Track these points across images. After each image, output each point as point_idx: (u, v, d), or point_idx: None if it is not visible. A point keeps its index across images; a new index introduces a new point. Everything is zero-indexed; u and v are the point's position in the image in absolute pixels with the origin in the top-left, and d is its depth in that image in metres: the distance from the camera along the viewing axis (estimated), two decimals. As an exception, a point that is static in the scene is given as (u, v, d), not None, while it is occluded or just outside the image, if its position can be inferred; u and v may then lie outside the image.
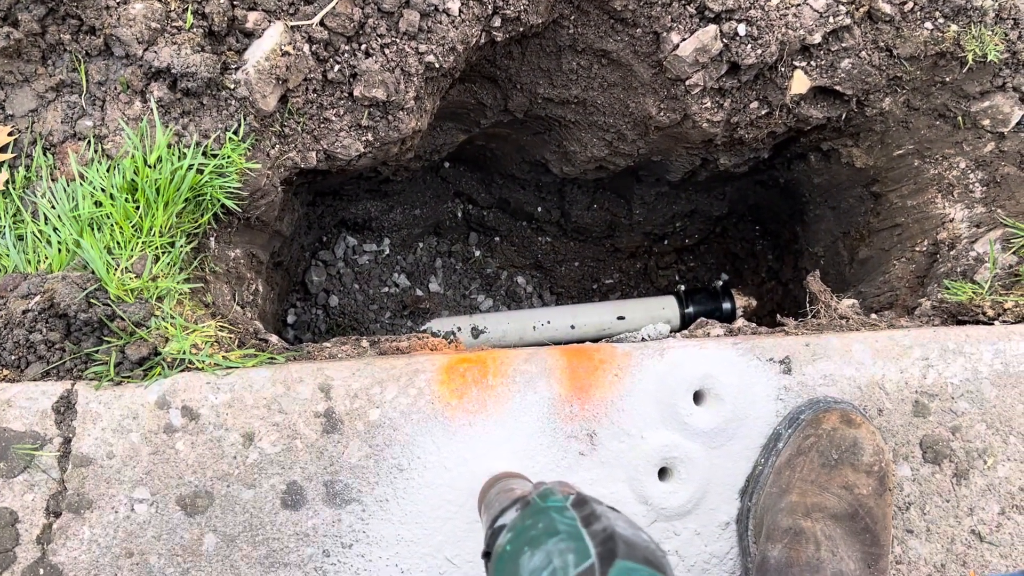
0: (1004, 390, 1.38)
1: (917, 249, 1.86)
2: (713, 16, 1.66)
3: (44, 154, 1.45)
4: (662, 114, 1.91)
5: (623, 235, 2.89)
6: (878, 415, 1.37)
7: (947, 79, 1.72)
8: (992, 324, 1.46)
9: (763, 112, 1.85)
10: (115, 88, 1.45)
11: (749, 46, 1.67)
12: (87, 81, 1.45)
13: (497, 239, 2.98)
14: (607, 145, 2.17)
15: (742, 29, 1.66)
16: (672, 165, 2.26)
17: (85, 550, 1.22)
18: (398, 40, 1.55)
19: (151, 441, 1.26)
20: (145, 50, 1.41)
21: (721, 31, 1.67)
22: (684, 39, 1.69)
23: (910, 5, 1.64)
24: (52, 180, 1.43)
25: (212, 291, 1.51)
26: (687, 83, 1.77)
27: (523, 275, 3.02)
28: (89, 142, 1.44)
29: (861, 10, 1.64)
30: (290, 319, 2.69)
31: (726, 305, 2.53)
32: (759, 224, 2.85)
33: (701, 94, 1.80)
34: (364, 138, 1.62)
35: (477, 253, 2.98)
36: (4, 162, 1.44)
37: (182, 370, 1.30)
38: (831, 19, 1.64)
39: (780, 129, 1.91)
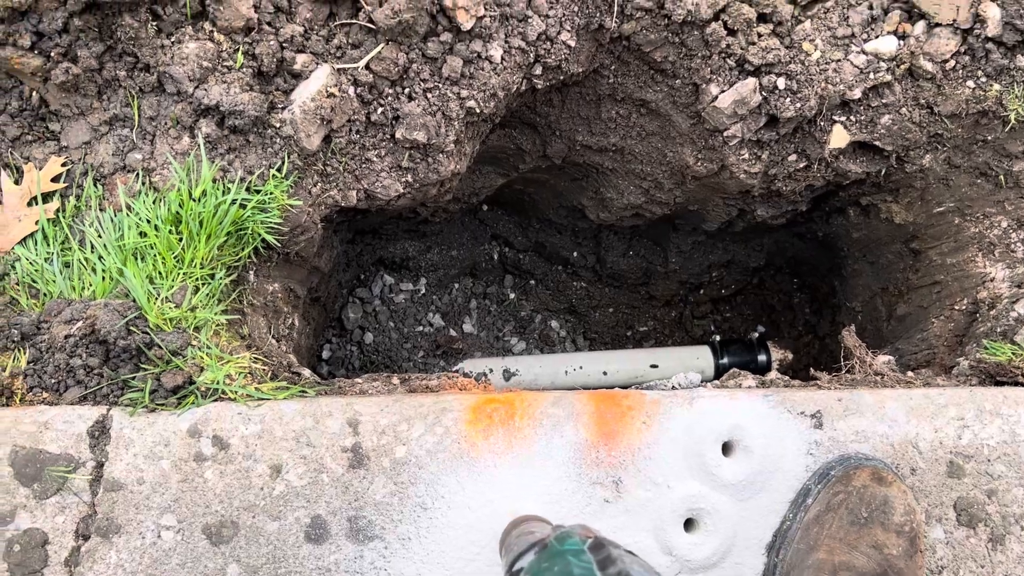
0: (1043, 454, 1.35)
1: (956, 307, 1.84)
2: (753, 69, 1.68)
3: (94, 185, 1.50)
4: (699, 164, 1.92)
5: (658, 283, 2.88)
6: (911, 474, 1.34)
7: (989, 138, 1.71)
8: (1031, 386, 1.43)
9: (801, 165, 1.85)
10: (165, 123, 1.50)
11: (788, 99, 1.68)
12: (139, 116, 1.51)
13: (532, 282, 3.00)
14: (644, 193, 2.18)
15: (781, 83, 1.67)
16: (709, 215, 2.27)
17: (111, 574, 1.24)
18: (440, 85, 1.58)
19: (181, 469, 1.27)
20: (196, 88, 1.46)
21: (760, 84, 1.68)
22: (723, 91, 1.71)
23: (952, 63, 1.64)
24: (100, 210, 1.47)
25: (249, 323, 1.54)
26: (725, 134, 1.78)
27: (557, 319, 3.02)
28: (138, 174, 1.49)
29: (902, 67, 1.64)
30: (325, 354, 2.71)
31: (761, 357, 2.49)
32: (797, 277, 2.83)
33: (739, 145, 1.81)
34: (404, 179, 1.65)
35: (512, 296, 2.99)
36: (56, 191, 1.49)
37: (215, 400, 1.32)
38: (871, 75, 1.65)
39: (818, 183, 1.91)
